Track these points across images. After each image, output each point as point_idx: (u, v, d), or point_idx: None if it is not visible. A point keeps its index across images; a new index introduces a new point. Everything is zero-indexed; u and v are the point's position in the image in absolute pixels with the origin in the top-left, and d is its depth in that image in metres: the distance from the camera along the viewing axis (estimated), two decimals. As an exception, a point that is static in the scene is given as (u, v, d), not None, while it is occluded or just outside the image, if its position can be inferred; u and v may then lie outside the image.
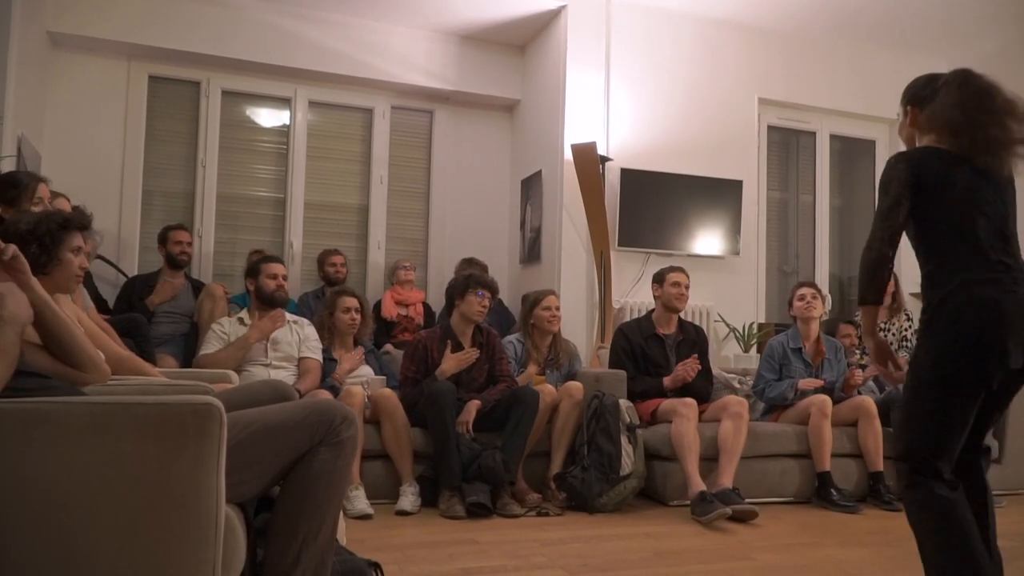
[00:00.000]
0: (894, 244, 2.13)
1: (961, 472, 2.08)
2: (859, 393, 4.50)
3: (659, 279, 4.42)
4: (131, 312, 4.34)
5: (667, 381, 4.18)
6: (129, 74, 5.35)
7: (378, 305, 5.25)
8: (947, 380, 2.03)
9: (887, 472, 4.07)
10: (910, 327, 5.40)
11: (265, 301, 4.00)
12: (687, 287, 4.39)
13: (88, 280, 4.30)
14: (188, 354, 4.36)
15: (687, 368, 4.13)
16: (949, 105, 2.15)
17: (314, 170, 5.81)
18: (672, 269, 4.42)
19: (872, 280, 2.14)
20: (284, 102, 5.77)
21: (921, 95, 2.24)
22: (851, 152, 6.47)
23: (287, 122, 5.78)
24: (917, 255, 2.20)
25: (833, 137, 6.33)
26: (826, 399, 4.10)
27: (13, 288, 1.70)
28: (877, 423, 4.11)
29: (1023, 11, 5.45)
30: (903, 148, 2.31)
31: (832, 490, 3.94)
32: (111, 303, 4.74)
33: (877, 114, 6.17)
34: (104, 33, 5.10)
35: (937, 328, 2.07)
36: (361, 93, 5.86)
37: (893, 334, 5.35)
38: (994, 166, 2.12)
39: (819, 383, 4.23)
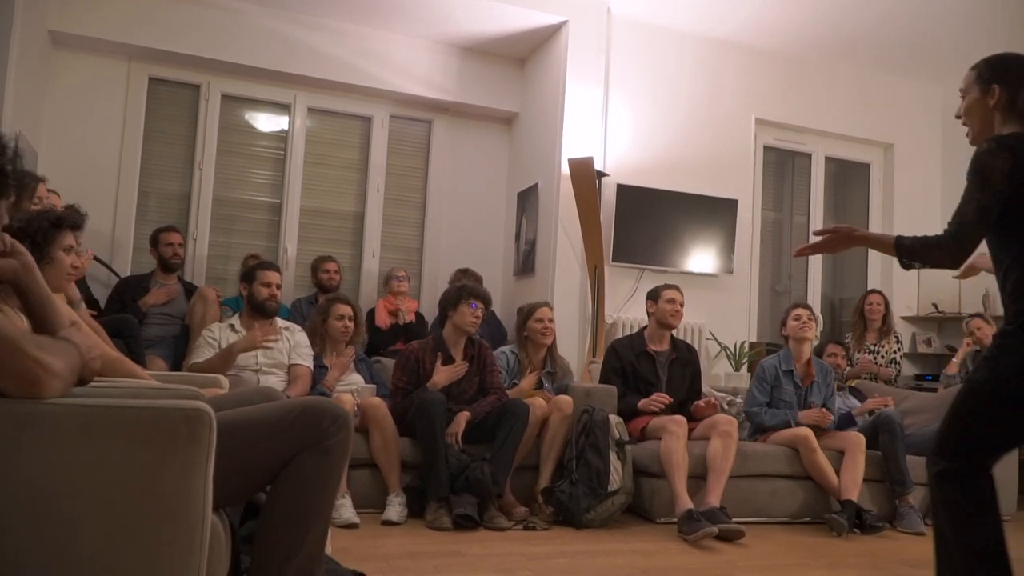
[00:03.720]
0: (975, 247, 2.01)
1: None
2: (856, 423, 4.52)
3: (654, 296, 4.42)
4: (123, 313, 4.32)
5: (641, 404, 4.16)
6: (129, 75, 5.36)
7: (371, 313, 5.24)
8: (1003, 395, 1.98)
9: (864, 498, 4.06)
10: (899, 350, 5.42)
11: (256, 308, 3.99)
12: (681, 304, 4.39)
13: (80, 280, 4.28)
14: (179, 356, 4.35)
15: (650, 402, 4.12)
16: None
17: (311, 176, 5.82)
18: (667, 286, 4.42)
19: (925, 259, 2.05)
20: (283, 108, 5.78)
21: (1016, 77, 2.10)
22: (846, 174, 6.51)
23: (285, 128, 5.79)
24: (1001, 258, 2.05)
25: (828, 159, 6.37)
26: (808, 433, 4.07)
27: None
28: (861, 458, 4.06)
29: None
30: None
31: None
32: (103, 303, 4.72)
33: (873, 137, 6.22)
34: (105, 33, 5.10)
35: (1013, 344, 1.98)
36: (360, 101, 5.88)
37: (882, 356, 5.37)
38: None
39: (822, 416, 4.20)
